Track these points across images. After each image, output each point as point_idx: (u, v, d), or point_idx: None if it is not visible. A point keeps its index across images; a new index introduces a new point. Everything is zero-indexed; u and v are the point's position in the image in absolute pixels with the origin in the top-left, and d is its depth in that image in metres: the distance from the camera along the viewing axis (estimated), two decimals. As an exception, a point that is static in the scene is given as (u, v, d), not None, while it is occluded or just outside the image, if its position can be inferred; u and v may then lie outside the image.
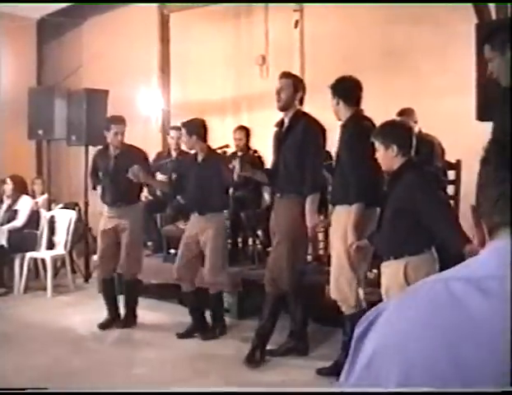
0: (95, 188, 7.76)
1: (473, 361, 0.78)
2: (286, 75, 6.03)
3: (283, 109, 5.94)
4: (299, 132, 5.86)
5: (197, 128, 6.79)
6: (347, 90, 5.46)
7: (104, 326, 7.27)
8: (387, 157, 4.52)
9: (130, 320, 7.40)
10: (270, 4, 10.12)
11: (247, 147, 8.54)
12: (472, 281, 0.83)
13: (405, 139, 4.54)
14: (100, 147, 7.89)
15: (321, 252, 7.85)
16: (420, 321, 0.83)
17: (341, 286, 5.36)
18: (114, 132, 7.22)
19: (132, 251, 7.33)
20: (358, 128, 5.29)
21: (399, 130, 4.63)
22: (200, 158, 6.85)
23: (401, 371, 0.82)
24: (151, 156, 8.78)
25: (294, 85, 5.92)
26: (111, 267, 7.43)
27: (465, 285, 0.83)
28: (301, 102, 5.99)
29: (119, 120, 7.31)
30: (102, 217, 7.51)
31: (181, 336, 6.84)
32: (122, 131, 7.25)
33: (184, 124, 6.91)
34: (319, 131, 5.91)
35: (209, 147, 6.95)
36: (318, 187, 5.80)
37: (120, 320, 7.41)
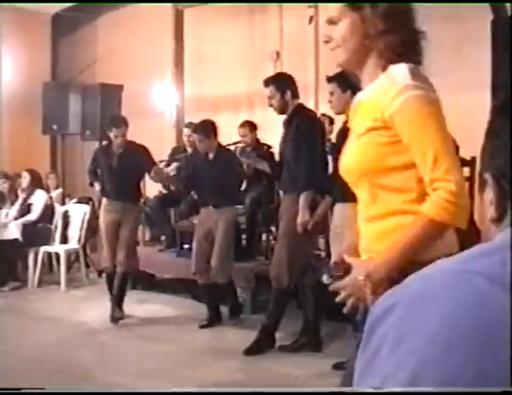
0: (92, 185, 7.81)
1: (498, 375, 0.75)
2: (267, 82, 6.02)
3: (280, 112, 5.97)
4: (293, 128, 5.86)
5: (210, 130, 6.94)
6: (353, 86, 5.41)
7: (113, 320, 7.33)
8: None
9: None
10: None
11: (257, 142, 8.47)
12: (496, 279, 0.80)
13: None
14: (102, 144, 7.96)
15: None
16: (443, 322, 0.80)
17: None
18: (114, 135, 7.25)
19: (130, 245, 7.41)
20: None
21: None
22: (211, 156, 7.00)
23: (412, 372, 0.79)
24: (167, 151, 8.79)
25: (278, 89, 5.90)
26: (114, 259, 7.48)
27: (492, 284, 0.80)
28: (295, 96, 5.94)
29: (119, 123, 7.30)
30: (102, 210, 7.57)
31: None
32: (121, 134, 7.23)
33: (195, 129, 7.10)
34: (314, 126, 5.90)
35: (219, 144, 7.08)
36: (312, 184, 5.75)
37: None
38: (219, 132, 7.03)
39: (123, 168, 7.24)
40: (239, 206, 7.44)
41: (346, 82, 5.36)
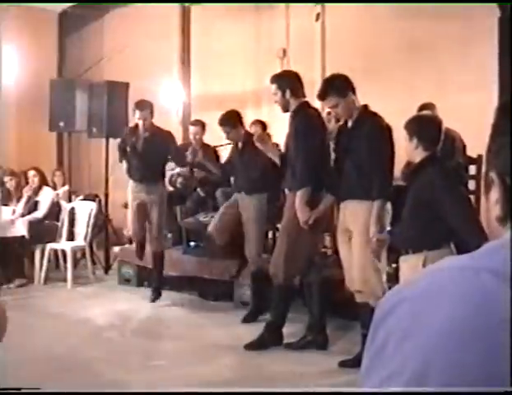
0: (121, 161, 7.98)
1: (504, 371, 0.75)
2: (271, 80, 6.10)
3: (284, 110, 6.03)
4: (294, 126, 5.91)
5: (236, 120, 7.22)
6: (349, 86, 5.46)
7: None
8: (409, 149, 4.55)
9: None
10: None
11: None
12: (503, 276, 0.80)
13: (427, 134, 4.51)
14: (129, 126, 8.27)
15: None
16: (449, 317, 0.80)
17: (368, 279, 5.34)
18: (137, 117, 7.61)
19: (161, 223, 7.77)
20: (376, 126, 5.31)
21: (423, 124, 4.62)
22: (240, 144, 7.26)
23: (418, 367, 0.79)
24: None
25: (280, 88, 5.95)
26: (144, 236, 7.83)
27: (498, 280, 0.81)
28: (298, 95, 5.96)
29: (142, 106, 7.62)
30: (129, 192, 7.85)
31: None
32: (143, 117, 7.55)
33: (221, 121, 7.21)
34: (313, 124, 5.91)
35: (247, 132, 7.36)
36: (310, 181, 5.76)
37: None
38: (244, 120, 7.33)
39: (148, 151, 7.55)
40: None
41: (343, 86, 5.43)
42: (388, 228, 5.56)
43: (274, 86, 5.98)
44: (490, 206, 0.94)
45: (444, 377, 0.77)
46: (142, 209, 7.73)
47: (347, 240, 5.51)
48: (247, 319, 7.02)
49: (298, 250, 5.93)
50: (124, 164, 7.92)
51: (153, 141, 7.56)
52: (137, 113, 7.57)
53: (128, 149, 7.71)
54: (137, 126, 7.71)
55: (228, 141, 7.61)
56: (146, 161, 7.57)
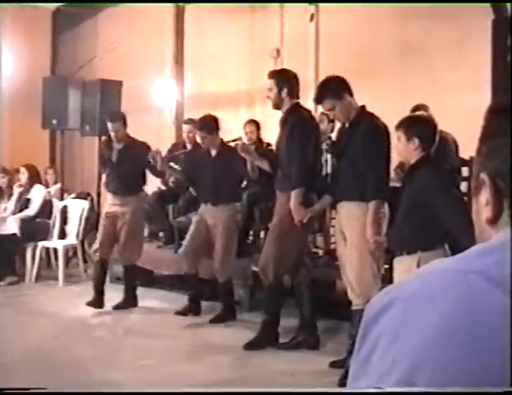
0: (102, 174, 7.99)
1: (495, 367, 0.76)
2: (270, 75, 6.10)
3: (275, 107, 6.02)
4: (287, 127, 5.89)
5: (213, 126, 7.02)
6: (345, 88, 5.44)
7: (91, 304, 7.43)
8: (407, 149, 4.50)
9: (130, 303, 7.59)
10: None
11: (260, 141, 8.51)
12: (493, 278, 0.80)
13: (428, 134, 4.51)
14: (104, 138, 8.12)
15: (333, 246, 7.82)
16: (441, 320, 0.80)
17: (365, 280, 5.29)
18: (110, 129, 7.47)
19: (130, 238, 7.54)
20: (373, 126, 5.29)
21: (424, 124, 4.61)
22: (214, 152, 7.08)
23: (407, 369, 0.79)
24: (166, 147, 8.77)
25: (277, 85, 5.92)
26: (109, 250, 7.67)
27: (489, 284, 0.80)
28: (293, 95, 5.94)
29: (114, 118, 7.51)
30: (107, 204, 7.78)
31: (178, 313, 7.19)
32: (115, 129, 7.42)
33: (198, 125, 7.13)
34: (307, 125, 5.91)
35: (222, 141, 7.11)
36: (304, 182, 5.76)
37: (120, 302, 7.58)
38: (221, 127, 7.09)
39: (123, 163, 7.42)
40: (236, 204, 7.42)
41: (339, 88, 5.40)
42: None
43: (271, 82, 5.96)
44: (479, 207, 0.94)
45: (434, 381, 0.76)
46: (111, 221, 7.58)
47: (343, 239, 5.50)
48: (214, 321, 7.03)
49: (287, 249, 5.93)
50: (103, 179, 7.91)
51: (127, 152, 7.45)
52: (109, 125, 7.44)
53: (102, 161, 7.72)
54: (109, 138, 7.65)
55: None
56: (121, 173, 7.47)
